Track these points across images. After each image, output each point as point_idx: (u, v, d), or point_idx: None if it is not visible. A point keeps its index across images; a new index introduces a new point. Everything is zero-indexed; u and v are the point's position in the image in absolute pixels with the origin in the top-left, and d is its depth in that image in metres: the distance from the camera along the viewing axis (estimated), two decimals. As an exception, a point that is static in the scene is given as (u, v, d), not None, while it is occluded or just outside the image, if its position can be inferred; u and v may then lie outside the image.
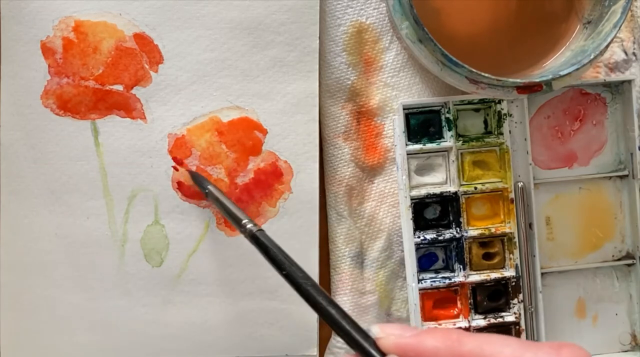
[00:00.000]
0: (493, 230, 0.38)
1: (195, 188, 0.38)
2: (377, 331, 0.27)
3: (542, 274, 0.39)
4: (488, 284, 0.38)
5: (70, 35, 0.37)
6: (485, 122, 0.39)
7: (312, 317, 0.39)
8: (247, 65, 0.38)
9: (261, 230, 0.33)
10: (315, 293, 0.29)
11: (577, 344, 0.25)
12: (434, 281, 0.38)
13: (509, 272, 0.38)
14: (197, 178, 0.38)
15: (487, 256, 0.39)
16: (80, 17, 0.37)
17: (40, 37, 0.37)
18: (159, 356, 0.39)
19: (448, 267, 0.39)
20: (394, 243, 0.40)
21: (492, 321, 0.38)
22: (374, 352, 0.26)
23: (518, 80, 0.34)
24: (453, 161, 0.38)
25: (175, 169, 0.38)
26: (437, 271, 0.39)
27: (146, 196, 0.38)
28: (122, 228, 0.38)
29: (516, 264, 0.38)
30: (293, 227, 0.39)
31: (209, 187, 0.37)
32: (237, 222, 0.34)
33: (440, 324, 0.38)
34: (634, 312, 0.40)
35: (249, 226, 0.33)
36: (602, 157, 0.40)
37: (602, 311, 0.40)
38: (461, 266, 0.38)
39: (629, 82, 0.39)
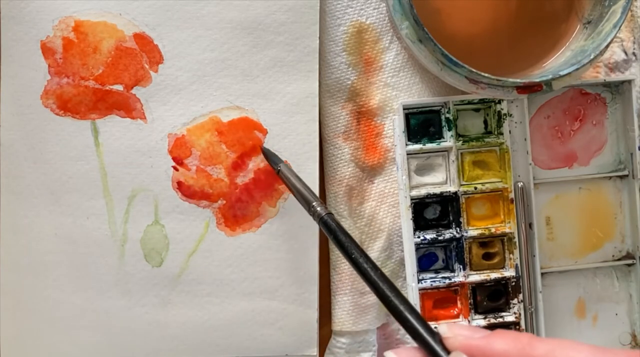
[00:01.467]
0: (493, 230, 0.38)
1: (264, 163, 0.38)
2: (444, 330, 0.27)
3: (542, 274, 0.39)
4: (488, 284, 0.38)
5: (70, 35, 0.37)
6: (485, 122, 0.39)
7: (312, 317, 0.39)
8: (247, 65, 0.38)
9: (330, 214, 0.32)
10: (382, 283, 0.29)
11: None
12: (434, 281, 0.38)
13: (509, 272, 0.38)
14: (269, 154, 0.38)
15: (487, 256, 0.39)
16: (80, 17, 0.37)
17: (40, 37, 0.37)
18: (159, 356, 0.39)
19: (448, 267, 0.39)
20: (394, 243, 0.40)
21: (492, 321, 0.38)
22: (439, 350, 0.26)
23: (518, 80, 0.34)
24: (453, 161, 0.38)
25: (175, 169, 0.38)
26: (437, 271, 0.39)
27: (146, 196, 0.38)
28: (122, 228, 0.38)
29: (516, 264, 0.38)
30: (293, 227, 0.39)
31: (280, 165, 0.37)
32: (307, 203, 0.34)
33: (440, 324, 0.38)
34: (634, 312, 0.40)
35: (319, 209, 0.33)
36: (602, 157, 0.40)
37: (602, 311, 0.40)
38: (461, 266, 0.38)
39: (629, 82, 0.39)
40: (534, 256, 0.38)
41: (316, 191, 0.39)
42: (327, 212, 0.32)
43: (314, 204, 0.33)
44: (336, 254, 0.40)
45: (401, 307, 0.28)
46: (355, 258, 0.30)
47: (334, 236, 0.31)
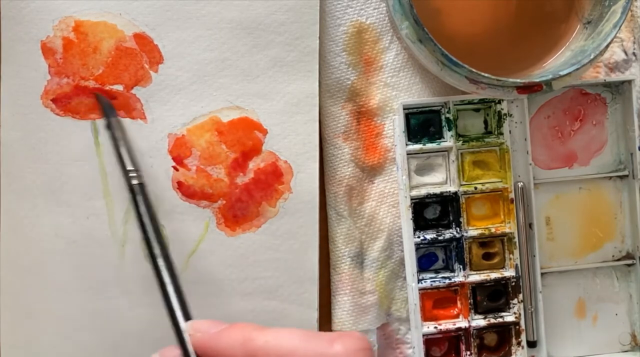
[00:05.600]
0: (493, 230, 0.38)
1: None
2: (188, 327, 0.29)
3: (542, 274, 0.39)
4: (488, 284, 0.38)
5: (70, 35, 0.37)
6: (485, 122, 0.39)
7: (312, 317, 0.39)
8: (247, 65, 0.38)
9: (142, 185, 0.33)
10: (166, 272, 0.30)
11: (356, 334, 0.26)
12: (434, 281, 0.38)
13: (509, 272, 0.38)
14: (103, 103, 0.37)
15: (487, 256, 0.39)
16: (80, 17, 0.37)
17: (40, 37, 0.37)
18: (159, 356, 0.39)
19: (448, 267, 0.39)
20: (394, 243, 0.40)
21: (492, 321, 0.38)
22: (188, 347, 0.28)
23: (518, 80, 0.34)
24: (453, 161, 0.38)
25: (175, 169, 0.38)
26: (437, 271, 0.39)
27: (146, 196, 0.38)
28: (122, 228, 0.38)
29: (516, 264, 0.38)
30: (293, 227, 0.39)
31: (112, 119, 0.36)
32: (123, 168, 0.34)
33: (440, 324, 0.38)
34: (634, 312, 0.40)
35: (133, 175, 0.34)
36: (602, 157, 0.40)
37: (602, 311, 0.40)
38: (461, 266, 0.38)
39: (629, 82, 0.39)
40: (534, 256, 0.38)
41: (317, 191, 0.39)
42: (140, 182, 0.33)
43: (129, 168, 0.34)
44: (336, 254, 0.40)
45: (173, 302, 0.29)
46: (148, 239, 0.31)
47: (136, 209, 0.32)
